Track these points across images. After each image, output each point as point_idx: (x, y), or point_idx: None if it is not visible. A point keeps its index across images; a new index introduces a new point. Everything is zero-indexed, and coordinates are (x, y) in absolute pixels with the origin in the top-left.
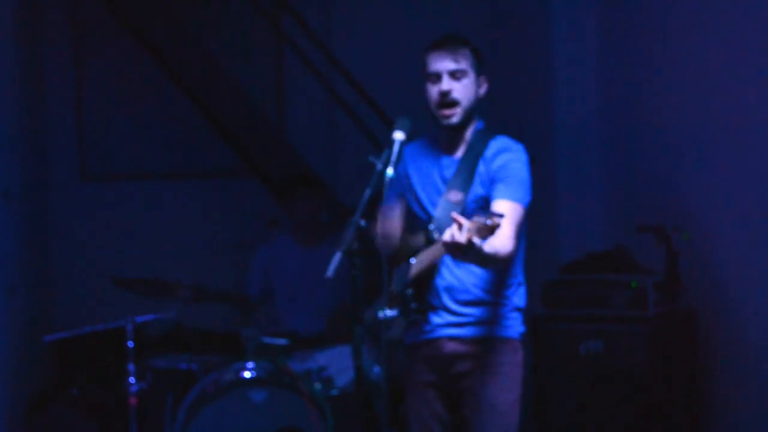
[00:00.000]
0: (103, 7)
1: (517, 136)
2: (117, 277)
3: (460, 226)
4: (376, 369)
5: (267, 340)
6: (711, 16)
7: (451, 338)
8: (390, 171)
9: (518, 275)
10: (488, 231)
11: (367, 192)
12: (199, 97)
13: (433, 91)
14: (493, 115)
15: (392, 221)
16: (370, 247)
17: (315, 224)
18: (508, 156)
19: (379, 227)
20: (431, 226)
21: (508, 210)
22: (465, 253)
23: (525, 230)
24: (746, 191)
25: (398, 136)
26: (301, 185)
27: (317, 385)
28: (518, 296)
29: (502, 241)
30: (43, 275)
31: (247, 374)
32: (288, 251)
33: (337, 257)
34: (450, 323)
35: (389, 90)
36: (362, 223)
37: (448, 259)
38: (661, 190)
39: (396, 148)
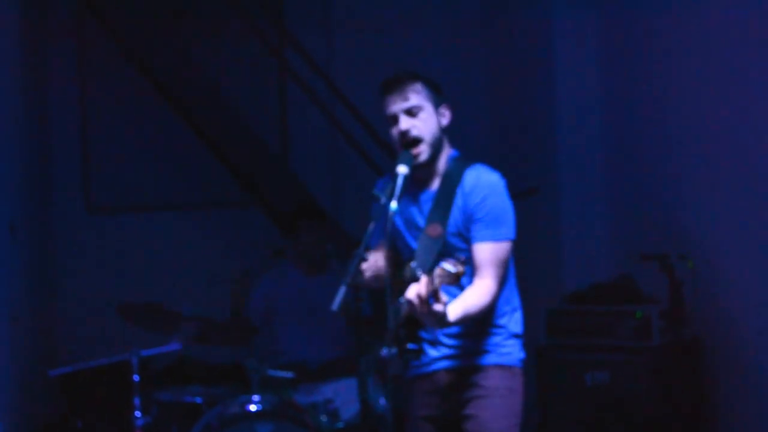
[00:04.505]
0: (109, 41)
1: (521, 167)
2: (120, 305)
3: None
4: (382, 401)
5: (272, 372)
6: (714, 40)
7: (448, 370)
8: (394, 204)
9: (512, 301)
10: (455, 278)
11: (372, 225)
12: (203, 129)
13: (394, 132)
14: (495, 146)
15: (378, 263)
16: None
17: (320, 255)
18: (483, 191)
19: (368, 268)
20: (413, 264)
21: (487, 252)
22: (431, 317)
23: (513, 258)
24: (750, 219)
25: (402, 169)
26: (305, 216)
27: (323, 418)
28: (514, 322)
29: (478, 298)
30: (48, 308)
31: (252, 407)
32: (291, 280)
33: (342, 290)
34: (446, 355)
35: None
36: (366, 256)
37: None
38: (664, 219)
39: (400, 181)
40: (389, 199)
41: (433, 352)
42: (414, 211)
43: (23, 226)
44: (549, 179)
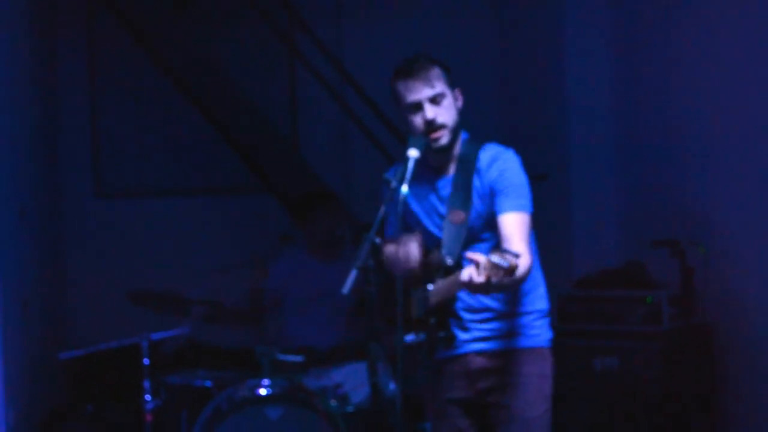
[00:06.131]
0: (118, 26)
1: (532, 152)
2: (130, 292)
3: (477, 265)
4: (392, 385)
5: (282, 356)
6: (728, 22)
7: (478, 353)
8: (405, 188)
9: (535, 277)
10: (506, 273)
11: (382, 209)
12: (213, 113)
13: (417, 120)
14: (506, 132)
15: (410, 247)
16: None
17: (332, 240)
18: (501, 165)
19: (394, 252)
20: (443, 251)
21: (516, 222)
22: (485, 290)
23: (534, 234)
24: (761, 205)
25: (412, 153)
26: (318, 202)
27: (333, 402)
28: (539, 299)
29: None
30: (58, 292)
31: (262, 391)
32: (303, 267)
33: (353, 274)
34: (476, 338)
35: None
36: (377, 240)
37: None
38: (675, 205)
39: (410, 165)
40: (400, 183)
41: (463, 335)
42: (433, 198)
43: (33, 211)
44: (559, 165)
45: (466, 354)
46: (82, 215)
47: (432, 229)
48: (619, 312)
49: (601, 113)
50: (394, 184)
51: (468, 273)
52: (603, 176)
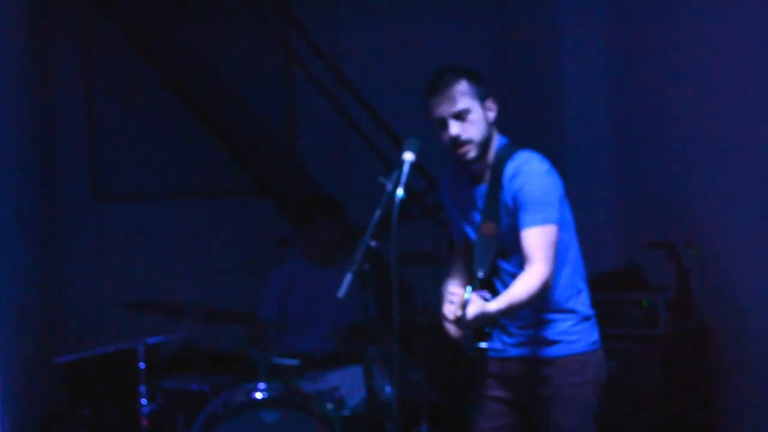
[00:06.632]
0: (115, 28)
1: None
2: (128, 300)
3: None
4: (388, 389)
5: (278, 360)
6: (722, 31)
7: (520, 359)
8: (400, 192)
9: (576, 283)
10: (456, 321)
11: (378, 213)
12: (210, 117)
13: (443, 136)
14: (502, 133)
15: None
16: (381, 267)
17: (330, 245)
18: (521, 179)
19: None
20: (475, 264)
21: (534, 237)
22: (464, 326)
23: (569, 237)
24: (759, 208)
25: (408, 156)
26: (319, 208)
27: (329, 406)
28: (581, 303)
29: (524, 284)
30: (55, 296)
31: (258, 395)
32: (302, 272)
33: (348, 278)
34: (519, 343)
35: (399, 109)
36: (373, 244)
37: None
38: (672, 207)
39: (406, 168)
40: (395, 187)
41: (507, 339)
42: (472, 207)
43: (30, 215)
44: (555, 167)
45: (509, 359)
46: (79, 219)
47: (473, 237)
48: (616, 315)
49: (597, 115)
50: (389, 187)
51: (447, 308)
52: (599, 178)
